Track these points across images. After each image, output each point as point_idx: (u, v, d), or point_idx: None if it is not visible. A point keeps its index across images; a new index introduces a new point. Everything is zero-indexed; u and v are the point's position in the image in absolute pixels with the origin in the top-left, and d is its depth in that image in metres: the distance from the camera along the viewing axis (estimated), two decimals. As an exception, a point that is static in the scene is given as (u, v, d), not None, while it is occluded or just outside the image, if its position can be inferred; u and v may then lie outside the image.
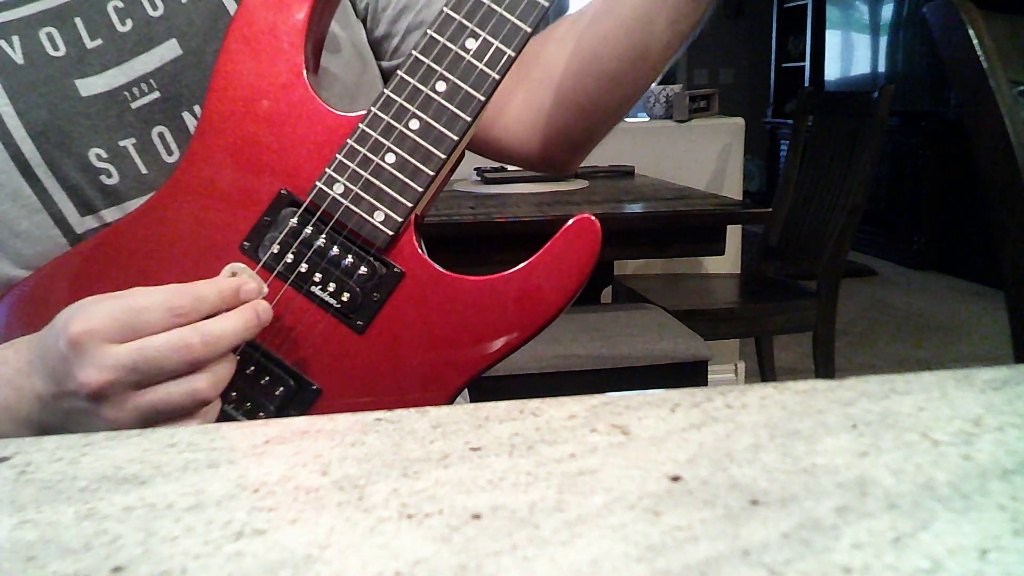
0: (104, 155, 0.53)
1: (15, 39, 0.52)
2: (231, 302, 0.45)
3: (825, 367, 1.93)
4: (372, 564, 0.22)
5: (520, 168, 0.68)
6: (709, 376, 1.53)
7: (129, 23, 0.53)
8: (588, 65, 0.59)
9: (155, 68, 0.53)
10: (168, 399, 0.43)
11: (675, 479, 0.26)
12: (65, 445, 0.32)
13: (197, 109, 0.54)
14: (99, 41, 0.53)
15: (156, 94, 0.54)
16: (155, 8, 0.54)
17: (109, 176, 0.53)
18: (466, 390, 0.60)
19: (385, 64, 0.65)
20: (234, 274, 0.47)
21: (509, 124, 0.64)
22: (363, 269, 0.50)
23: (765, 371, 2.14)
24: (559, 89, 0.61)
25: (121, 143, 0.53)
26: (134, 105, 0.53)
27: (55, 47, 0.52)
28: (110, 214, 0.54)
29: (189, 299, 0.43)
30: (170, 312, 0.42)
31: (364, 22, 0.63)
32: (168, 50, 0.54)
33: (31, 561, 0.24)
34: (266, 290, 0.48)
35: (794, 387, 0.34)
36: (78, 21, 0.53)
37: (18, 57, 0.52)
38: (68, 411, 0.43)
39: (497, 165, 2.05)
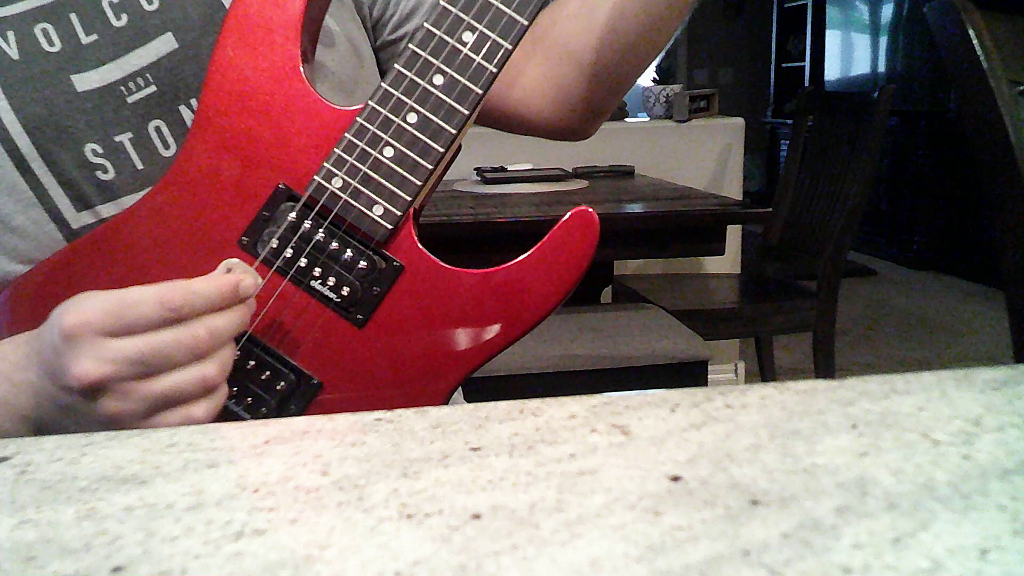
0: (100, 150, 0.53)
1: (10, 35, 0.52)
2: (229, 299, 0.45)
3: (825, 367, 1.93)
4: (372, 564, 0.22)
5: (540, 135, 0.70)
6: (709, 376, 1.53)
7: (124, 17, 0.53)
8: (607, 38, 0.62)
9: (151, 62, 0.53)
10: (179, 386, 0.43)
11: (675, 479, 0.26)
12: (65, 445, 0.32)
13: (194, 103, 0.54)
14: (94, 36, 0.53)
15: (152, 88, 0.54)
16: (150, 3, 0.54)
17: (105, 172, 0.53)
18: (460, 389, 0.61)
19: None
20: (229, 270, 0.47)
21: (527, 97, 0.66)
22: (362, 263, 0.50)
23: (765, 371, 2.14)
24: (580, 63, 0.63)
25: (117, 138, 0.53)
26: (130, 99, 0.53)
27: (50, 42, 0.52)
28: (106, 209, 0.54)
29: (182, 294, 0.43)
30: (163, 306, 0.43)
31: (372, 29, 0.64)
32: (164, 44, 0.54)
33: (31, 561, 0.24)
34: (261, 283, 0.48)
35: (794, 387, 0.34)
36: (73, 16, 0.53)
37: (13, 52, 0.52)
38: (64, 407, 0.43)
39: (497, 165, 2.05)
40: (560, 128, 0.67)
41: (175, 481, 0.28)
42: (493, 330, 0.50)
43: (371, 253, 0.50)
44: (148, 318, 0.42)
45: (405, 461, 0.29)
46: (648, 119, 2.52)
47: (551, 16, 0.64)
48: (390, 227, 0.49)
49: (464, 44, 0.49)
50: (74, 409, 0.43)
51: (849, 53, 4.82)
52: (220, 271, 0.47)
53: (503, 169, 2.01)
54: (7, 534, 0.25)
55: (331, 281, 0.50)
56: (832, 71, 4.98)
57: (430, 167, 0.49)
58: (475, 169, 2.05)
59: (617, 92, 0.66)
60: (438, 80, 0.49)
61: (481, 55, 0.49)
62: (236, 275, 0.46)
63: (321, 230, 0.50)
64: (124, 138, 0.53)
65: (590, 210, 0.49)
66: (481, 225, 1.41)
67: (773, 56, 5.71)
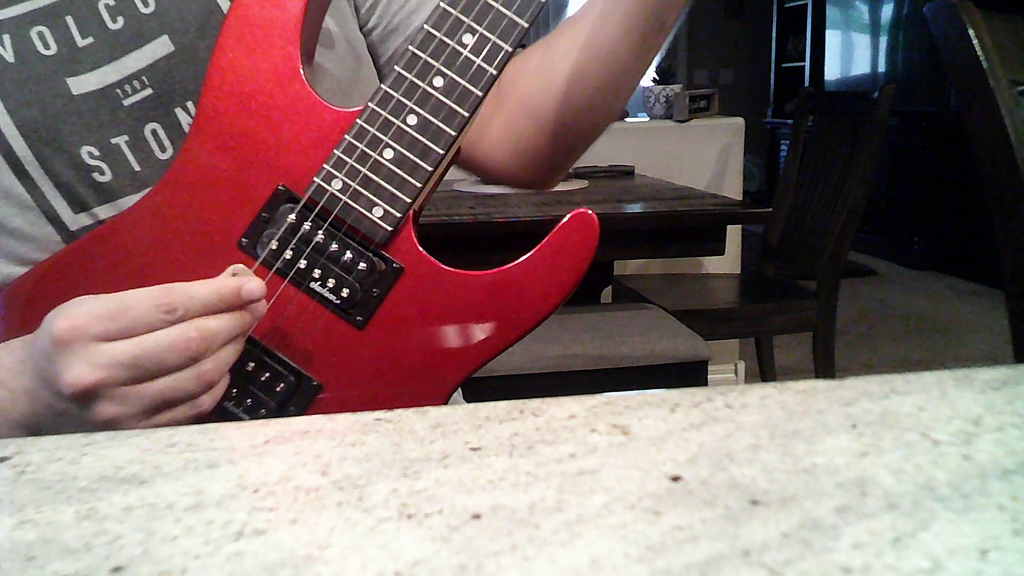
0: (96, 153, 0.53)
1: (6, 38, 0.52)
2: (229, 302, 0.44)
3: (825, 367, 1.93)
4: (372, 564, 0.22)
5: (504, 185, 0.71)
6: (709, 376, 1.53)
7: (120, 20, 0.53)
8: (563, 97, 0.62)
9: (147, 65, 0.53)
10: (176, 385, 0.43)
11: (675, 479, 0.26)
12: (65, 445, 0.32)
13: (190, 105, 0.54)
14: (90, 39, 0.53)
15: (148, 91, 0.54)
16: (146, 5, 0.54)
17: (102, 174, 0.53)
18: (460, 389, 0.61)
19: (377, 67, 0.65)
20: (234, 275, 0.47)
21: (489, 149, 0.66)
22: (362, 265, 0.50)
23: (765, 371, 2.14)
24: (536, 119, 0.63)
25: (113, 140, 0.53)
26: (126, 102, 0.53)
27: (46, 46, 0.52)
28: (103, 211, 0.54)
29: (179, 297, 0.43)
30: (158, 309, 0.42)
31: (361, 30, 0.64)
32: (160, 47, 0.54)
33: (31, 561, 0.24)
34: (265, 289, 0.48)
35: (794, 387, 0.34)
36: (69, 19, 0.53)
37: (9, 56, 0.52)
38: (60, 413, 0.43)
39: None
40: (519, 180, 0.68)
41: (175, 481, 0.28)
42: (492, 332, 0.50)
43: (371, 255, 0.50)
44: (143, 321, 0.42)
45: (405, 461, 0.29)
46: (648, 119, 2.52)
47: (514, 71, 0.63)
48: (390, 229, 0.49)
49: (464, 46, 0.49)
50: (70, 415, 0.43)
51: (849, 53, 4.82)
52: (225, 276, 0.47)
53: (503, 169, 2.01)
54: (7, 534, 0.25)
55: (331, 283, 0.50)
56: (832, 71, 4.98)
57: (430, 169, 0.49)
58: (475, 169, 2.05)
59: (573, 150, 0.66)
60: (438, 82, 0.49)
61: (481, 57, 0.49)
62: (240, 279, 0.46)
63: (321, 232, 0.50)
64: (120, 140, 0.53)
65: (590, 212, 0.49)
66: (481, 225, 1.41)
67: (773, 56, 5.70)
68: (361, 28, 0.63)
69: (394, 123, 0.49)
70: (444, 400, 0.51)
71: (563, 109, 0.62)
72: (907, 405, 0.32)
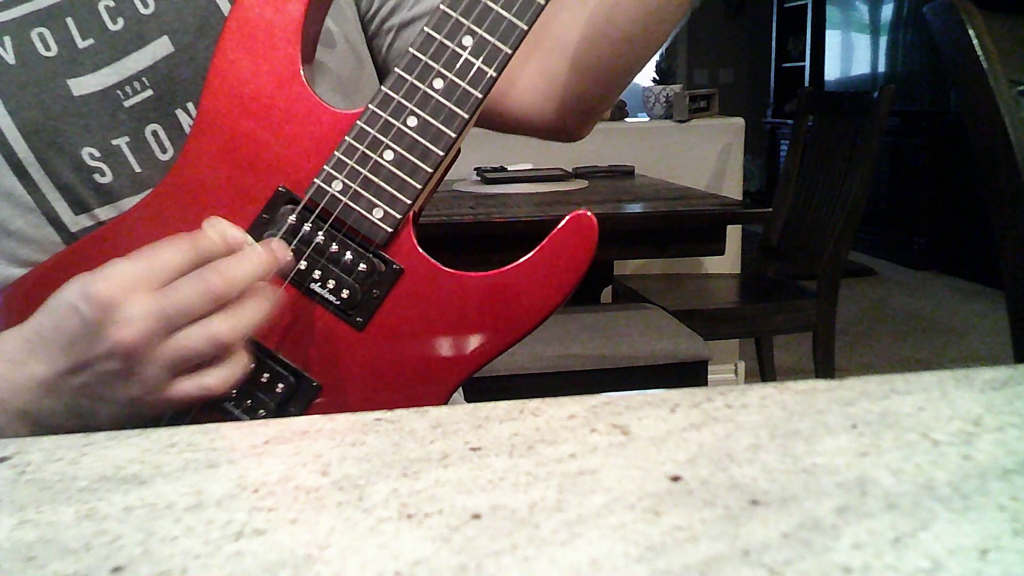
0: (97, 154, 0.53)
1: (7, 39, 0.52)
2: (235, 247, 0.45)
3: (825, 367, 1.93)
4: (372, 564, 0.22)
5: (533, 135, 0.68)
6: (709, 376, 1.53)
7: (120, 22, 0.53)
8: (602, 29, 0.60)
9: (147, 66, 0.53)
10: (189, 343, 0.42)
11: (675, 479, 0.26)
12: (65, 445, 0.32)
13: (190, 106, 0.54)
14: (91, 40, 0.53)
15: (149, 92, 0.54)
16: (146, 6, 0.54)
17: (103, 175, 0.53)
18: (461, 389, 0.61)
19: (379, 63, 0.65)
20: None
21: (521, 94, 0.64)
22: (362, 266, 0.50)
23: (765, 371, 2.14)
24: (573, 55, 0.62)
25: (114, 142, 0.53)
26: (127, 104, 0.53)
27: (47, 47, 0.52)
28: (104, 212, 0.54)
29: (200, 234, 0.44)
30: (181, 250, 0.43)
31: (361, 22, 0.64)
32: (160, 47, 0.54)
33: (31, 561, 0.24)
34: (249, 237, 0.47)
35: (794, 387, 0.34)
36: (69, 21, 0.53)
37: (10, 57, 0.52)
38: (82, 386, 0.43)
39: (497, 165, 2.05)
40: (551, 126, 0.65)
41: (175, 481, 0.28)
42: (492, 333, 0.50)
43: (371, 256, 0.50)
44: (176, 265, 0.42)
45: (405, 461, 0.29)
46: (648, 119, 2.52)
47: (550, 10, 0.61)
48: (390, 230, 0.49)
49: (464, 48, 0.49)
50: (99, 385, 0.42)
51: (849, 53, 4.82)
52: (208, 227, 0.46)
53: (503, 169, 2.01)
54: (7, 534, 0.25)
55: (331, 284, 0.50)
56: (832, 71, 4.98)
57: (430, 170, 0.49)
58: (475, 169, 2.05)
59: (610, 90, 0.64)
60: (438, 84, 0.49)
61: (481, 59, 0.49)
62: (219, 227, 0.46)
63: (321, 233, 0.50)
64: (121, 142, 0.53)
65: (589, 214, 0.49)
66: (481, 225, 1.41)
67: (773, 56, 5.71)
68: (362, 19, 0.63)
69: (394, 125, 0.49)
70: (444, 401, 0.51)
71: (600, 43, 0.60)
72: (907, 405, 0.32)
